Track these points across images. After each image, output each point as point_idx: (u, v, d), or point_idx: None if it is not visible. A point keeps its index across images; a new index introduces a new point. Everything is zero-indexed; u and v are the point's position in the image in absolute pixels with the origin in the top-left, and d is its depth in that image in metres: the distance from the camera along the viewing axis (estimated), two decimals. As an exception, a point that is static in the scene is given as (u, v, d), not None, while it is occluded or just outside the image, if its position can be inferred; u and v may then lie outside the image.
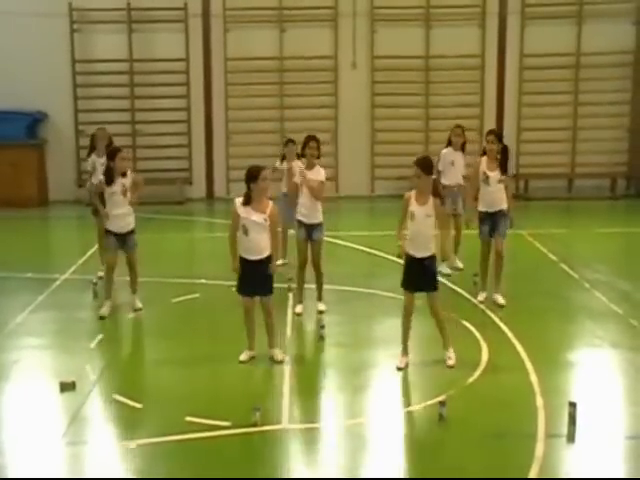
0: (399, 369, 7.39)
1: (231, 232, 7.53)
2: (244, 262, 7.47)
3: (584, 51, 16.34)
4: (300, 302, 9.14)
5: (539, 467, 5.65)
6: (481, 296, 9.43)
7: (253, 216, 7.35)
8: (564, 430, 6.12)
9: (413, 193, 7.37)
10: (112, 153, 9.04)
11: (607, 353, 7.98)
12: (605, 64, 16.29)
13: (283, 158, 10.74)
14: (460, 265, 10.74)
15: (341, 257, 11.58)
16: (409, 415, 6.62)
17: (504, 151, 9.19)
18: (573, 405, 6.16)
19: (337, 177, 16.52)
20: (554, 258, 11.35)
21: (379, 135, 16.54)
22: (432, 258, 7.43)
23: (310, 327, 8.81)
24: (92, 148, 10.44)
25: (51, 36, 15.98)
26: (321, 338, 8.24)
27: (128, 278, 9.24)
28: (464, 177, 10.58)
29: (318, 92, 16.27)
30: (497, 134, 9.44)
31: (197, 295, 9.75)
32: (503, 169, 9.15)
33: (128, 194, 8.94)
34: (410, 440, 6.32)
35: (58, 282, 10.43)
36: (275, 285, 7.66)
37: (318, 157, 8.96)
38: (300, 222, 8.95)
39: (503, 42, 16.43)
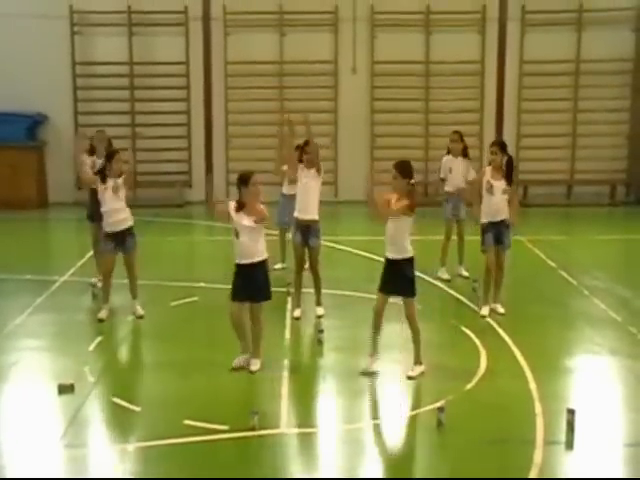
0: (363, 373, 7.35)
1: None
2: (237, 267, 7.46)
3: (584, 58, 16.38)
4: (298, 306, 9.12)
5: (537, 473, 5.64)
6: (485, 310, 9.12)
7: (244, 220, 7.34)
8: (563, 437, 6.12)
9: (394, 195, 7.27)
10: (110, 155, 9.10)
11: (606, 360, 7.97)
12: (604, 71, 16.33)
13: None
14: (466, 273, 10.61)
15: (340, 261, 11.58)
16: (408, 421, 6.60)
17: (509, 163, 8.93)
18: (571, 412, 6.16)
19: (336, 182, 16.53)
20: (553, 265, 11.35)
21: (378, 140, 16.54)
22: (407, 261, 7.30)
23: (308, 331, 8.80)
24: (92, 151, 10.43)
25: (51, 38, 15.99)
26: (319, 342, 8.24)
27: (126, 281, 9.19)
28: (469, 182, 10.24)
29: (318, 97, 16.28)
30: (500, 144, 9.18)
31: (196, 298, 9.74)
32: (508, 180, 8.94)
33: (120, 193, 8.95)
34: (408, 446, 6.32)
35: (57, 284, 10.43)
36: (273, 289, 7.63)
37: (313, 163, 8.90)
38: (296, 222, 8.94)
39: (503, 48, 16.44)
